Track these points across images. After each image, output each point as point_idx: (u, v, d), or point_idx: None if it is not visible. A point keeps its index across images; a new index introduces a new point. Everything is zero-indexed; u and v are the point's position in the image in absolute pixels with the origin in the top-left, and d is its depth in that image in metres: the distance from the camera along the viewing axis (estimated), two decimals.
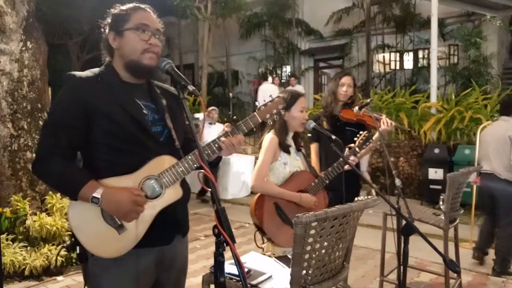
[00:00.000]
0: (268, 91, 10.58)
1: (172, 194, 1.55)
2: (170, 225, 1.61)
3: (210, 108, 7.70)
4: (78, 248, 1.54)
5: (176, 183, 1.55)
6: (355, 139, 2.69)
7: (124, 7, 1.62)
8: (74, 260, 3.99)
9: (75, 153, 1.57)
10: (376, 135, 2.92)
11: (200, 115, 8.47)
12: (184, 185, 1.63)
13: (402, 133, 7.58)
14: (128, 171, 1.51)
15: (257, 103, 10.90)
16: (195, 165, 1.54)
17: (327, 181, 2.55)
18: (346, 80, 3.04)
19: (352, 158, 2.63)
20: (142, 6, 1.63)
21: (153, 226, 1.53)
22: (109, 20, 1.62)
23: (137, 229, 1.51)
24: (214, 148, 1.59)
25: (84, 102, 1.50)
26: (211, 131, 6.90)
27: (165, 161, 1.54)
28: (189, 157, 1.54)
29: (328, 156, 2.87)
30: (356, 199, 1.97)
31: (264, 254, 2.36)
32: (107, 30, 1.61)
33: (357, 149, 2.64)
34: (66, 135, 1.51)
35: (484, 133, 4.37)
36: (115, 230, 1.49)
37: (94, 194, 1.44)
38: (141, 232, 1.52)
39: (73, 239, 1.54)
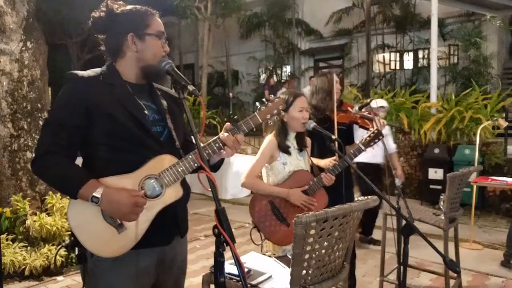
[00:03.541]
0: None
1: (173, 193, 1.54)
2: (170, 225, 1.61)
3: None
4: (76, 249, 1.53)
5: (177, 182, 1.54)
6: (364, 136, 2.68)
7: (138, 10, 1.60)
8: (74, 260, 3.99)
9: (75, 152, 1.57)
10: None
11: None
12: (184, 185, 1.63)
13: (396, 131, 7.54)
14: (128, 170, 1.51)
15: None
16: (196, 165, 1.54)
17: None
18: (336, 77, 3.07)
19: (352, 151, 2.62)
20: (152, 11, 1.63)
21: (153, 226, 1.52)
22: (103, 19, 1.60)
23: (137, 228, 1.50)
24: (215, 147, 1.59)
25: (85, 100, 1.50)
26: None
27: (166, 160, 1.54)
28: (190, 156, 1.54)
29: (323, 156, 2.85)
30: (356, 199, 1.97)
31: (264, 254, 2.37)
32: (115, 30, 1.59)
33: (362, 147, 2.63)
34: (67, 134, 1.50)
35: None
36: (114, 229, 1.49)
37: (94, 194, 1.44)
38: (141, 232, 1.51)
39: (72, 238, 1.53)
